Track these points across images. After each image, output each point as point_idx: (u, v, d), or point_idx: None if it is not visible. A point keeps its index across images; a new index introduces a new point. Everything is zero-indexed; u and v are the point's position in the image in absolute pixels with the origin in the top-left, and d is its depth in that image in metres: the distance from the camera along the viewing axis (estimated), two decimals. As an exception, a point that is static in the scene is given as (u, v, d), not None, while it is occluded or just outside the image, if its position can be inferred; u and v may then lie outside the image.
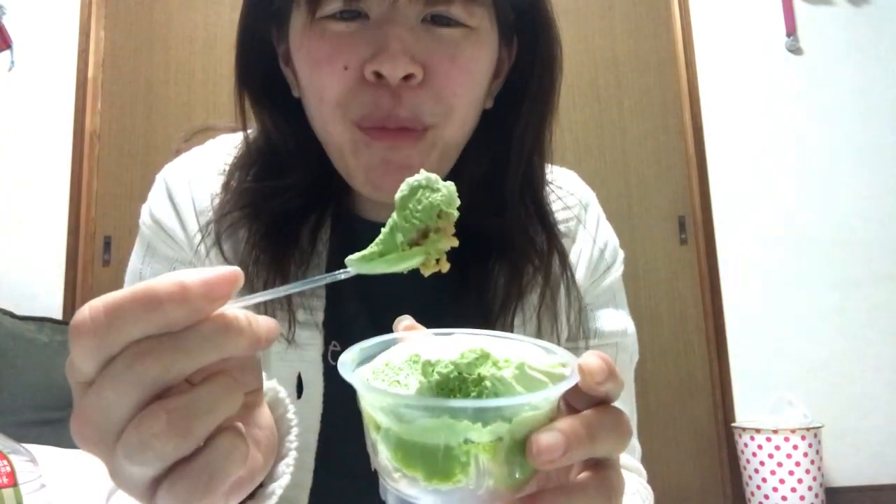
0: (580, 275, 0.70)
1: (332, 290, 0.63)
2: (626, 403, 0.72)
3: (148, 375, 0.28)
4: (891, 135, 2.80)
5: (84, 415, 0.29)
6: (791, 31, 2.84)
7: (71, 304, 2.54)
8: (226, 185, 0.64)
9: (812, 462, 2.33)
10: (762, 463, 2.36)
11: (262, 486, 0.38)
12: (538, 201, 0.67)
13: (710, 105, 2.81)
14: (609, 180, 2.73)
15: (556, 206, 0.71)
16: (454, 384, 0.30)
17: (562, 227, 0.70)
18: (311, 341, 0.61)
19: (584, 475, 0.35)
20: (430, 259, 0.34)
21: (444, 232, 0.34)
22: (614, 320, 0.72)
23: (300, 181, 0.62)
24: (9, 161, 2.62)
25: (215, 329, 0.29)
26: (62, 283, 2.55)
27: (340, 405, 0.61)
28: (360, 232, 0.63)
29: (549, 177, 0.73)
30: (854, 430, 2.59)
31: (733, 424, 2.55)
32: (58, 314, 2.48)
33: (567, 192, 0.74)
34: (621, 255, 0.76)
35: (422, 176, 0.34)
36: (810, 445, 2.34)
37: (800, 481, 2.31)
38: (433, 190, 0.34)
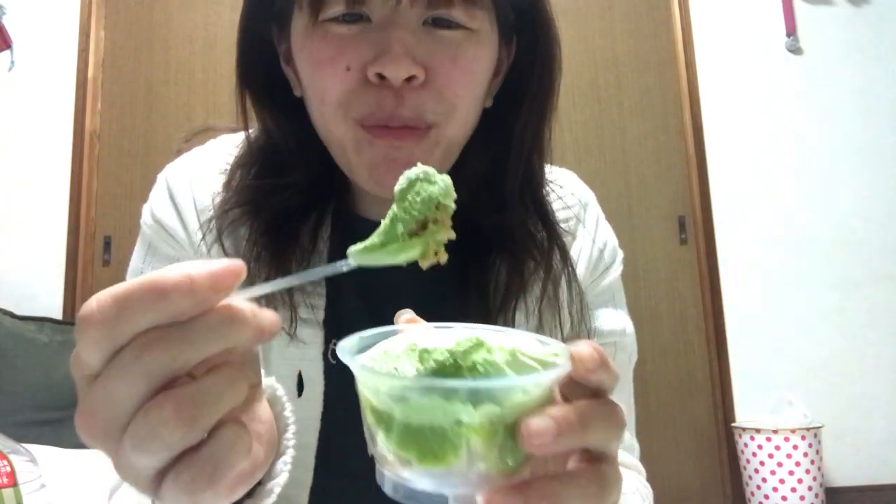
0: (580, 274, 0.70)
1: (333, 288, 0.63)
2: (624, 402, 0.71)
3: (156, 365, 0.28)
4: (891, 135, 2.80)
5: (90, 408, 0.29)
6: (791, 31, 2.84)
7: (71, 304, 2.54)
8: (227, 184, 0.64)
9: (812, 462, 2.33)
10: (762, 463, 2.36)
11: (260, 483, 0.39)
12: (538, 199, 0.67)
13: (710, 105, 2.81)
14: (609, 180, 2.73)
15: (556, 206, 0.71)
16: (449, 371, 0.31)
17: (562, 227, 0.70)
18: (312, 339, 0.61)
19: (578, 466, 0.35)
20: (430, 250, 0.35)
21: (441, 223, 0.35)
22: (613, 320, 0.73)
23: (301, 179, 0.63)
24: (9, 161, 2.62)
25: (221, 319, 0.29)
26: (62, 283, 2.55)
27: (341, 404, 0.61)
28: (360, 230, 0.64)
29: (549, 176, 0.73)
30: (854, 430, 2.59)
31: (733, 424, 2.55)
32: (58, 314, 2.48)
33: (567, 191, 0.75)
34: (620, 254, 0.77)
35: (419, 169, 0.35)
36: (810, 445, 2.34)
37: (800, 481, 2.31)
38: (430, 183, 0.35)
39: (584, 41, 2.83)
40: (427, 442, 0.30)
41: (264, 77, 0.64)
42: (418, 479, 0.31)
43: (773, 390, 2.61)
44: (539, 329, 0.65)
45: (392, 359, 0.32)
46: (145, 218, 0.68)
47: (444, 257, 0.36)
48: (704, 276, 2.72)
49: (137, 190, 2.58)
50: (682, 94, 2.83)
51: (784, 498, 2.32)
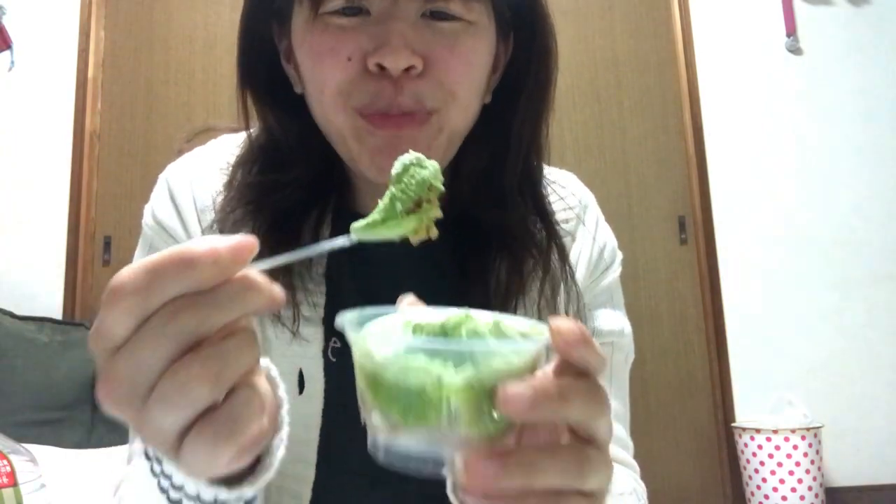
0: (580, 274, 0.71)
1: (333, 285, 0.63)
2: (620, 401, 0.73)
3: (186, 328, 0.30)
4: (891, 135, 2.80)
5: (114, 376, 0.31)
6: (791, 31, 2.84)
7: (71, 304, 2.54)
8: (228, 184, 0.65)
9: (812, 462, 2.33)
10: (762, 463, 2.36)
11: (258, 461, 0.40)
12: (536, 195, 0.68)
13: (710, 105, 2.81)
14: (609, 180, 2.74)
15: (557, 206, 0.72)
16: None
17: (563, 227, 0.70)
18: (313, 337, 0.62)
19: (561, 441, 0.36)
20: (423, 226, 0.38)
21: (432, 202, 0.38)
22: (611, 320, 0.73)
23: (302, 176, 0.63)
24: (9, 161, 2.62)
25: (241, 287, 0.32)
26: (62, 283, 2.55)
27: (341, 400, 0.62)
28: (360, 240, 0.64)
29: (549, 177, 0.74)
30: (854, 430, 2.59)
31: (733, 424, 2.55)
32: (58, 314, 2.48)
33: (568, 192, 0.75)
34: (619, 256, 0.77)
35: (412, 155, 0.39)
36: (810, 445, 2.34)
37: (800, 481, 2.31)
38: (422, 167, 0.39)
39: (584, 41, 2.83)
40: (411, 401, 0.32)
41: (265, 75, 0.65)
42: (405, 440, 0.33)
43: (773, 390, 2.61)
44: None
45: (388, 331, 0.35)
46: (146, 219, 0.68)
47: (434, 233, 0.39)
48: (704, 276, 2.72)
49: (137, 190, 2.58)
50: (682, 94, 2.83)
51: (784, 498, 2.32)
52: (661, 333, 2.67)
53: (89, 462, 1.66)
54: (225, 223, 0.62)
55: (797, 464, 2.32)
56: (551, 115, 0.67)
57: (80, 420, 2.14)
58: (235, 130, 0.69)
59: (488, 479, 0.33)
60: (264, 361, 0.43)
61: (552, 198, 0.71)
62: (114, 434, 2.00)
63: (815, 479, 2.33)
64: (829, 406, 2.59)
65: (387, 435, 0.34)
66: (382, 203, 0.38)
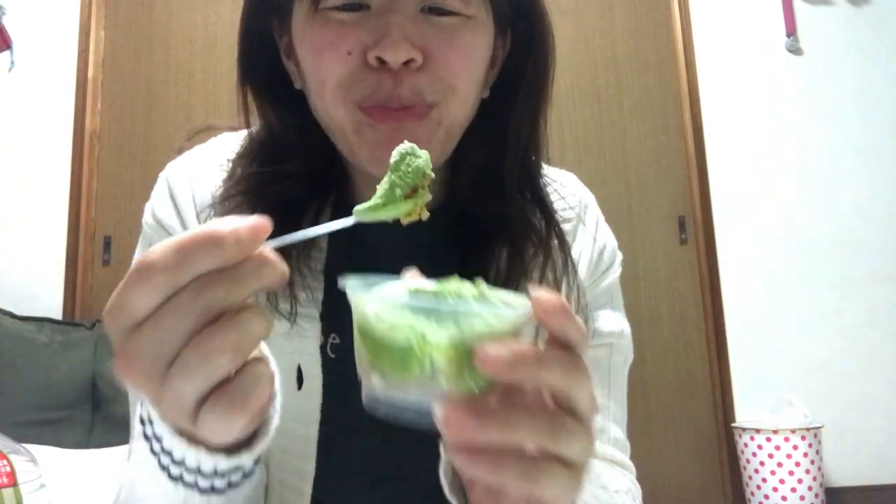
0: (581, 274, 0.71)
1: (332, 282, 0.64)
2: (618, 402, 0.73)
3: (213, 302, 0.33)
4: (891, 135, 2.80)
5: (135, 350, 0.33)
6: (791, 31, 2.84)
7: (71, 304, 2.54)
8: (228, 178, 0.65)
9: (812, 462, 2.33)
10: (762, 463, 2.36)
11: (254, 431, 0.43)
12: (536, 189, 0.68)
13: (710, 105, 2.81)
14: (609, 180, 2.74)
15: (557, 206, 0.72)
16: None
17: (563, 227, 0.70)
18: (311, 333, 0.62)
19: (541, 406, 0.37)
20: (416, 209, 0.42)
21: (426, 188, 0.42)
22: (611, 321, 0.73)
23: (301, 170, 0.64)
24: (9, 161, 2.62)
25: (259, 264, 0.34)
26: (62, 283, 2.55)
27: (339, 396, 0.62)
28: (358, 225, 0.65)
29: (549, 177, 0.74)
30: (854, 430, 2.59)
31: (733, 424, 2.55)
32: (58, 314, 2.48)
33: (568, 192, 0.75)
34: (619, 256, 0.77)
35: (407, 145, 0.43)
36: (810, 445, 2.34)
37: (800, 481, 2.31)
38: (416, 156, 0.42)
39: (584, 41, 2.83)
40: (398, 355, 0.35)
41: (265, 71, 0.65)
42: (391, 389, 0.36)
43: (773, 390, 2.61)
44: None
45: (385, 293, 0.38)
46: (146, 217, 0.68)
47: (426, 215, 0.43)
48: (704, 276, 2.72)
49: (137, 190, 2.59)
50: (682, 94, 2.83)
51: (784, 498, 2.32)
52: (661, 333, 2.67)
53: (89, 462, 1.66)
54: (224, 208, 0.63)
55: (797, 464, 2.32)
56: (550, 112, 0.68)
57: (80, 420, 2.14)
58: (236, 129, 0.70)
59: (465, 432, 0.35)
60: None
61: (552, 197, 0.71)
62: (114, 434, 2.00)
63: (815, 479, 2.33)
64: (829, 406, 2.59)
65: (378, 389, 0.36)
66: (382, 188, 0.42)
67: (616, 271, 0.76)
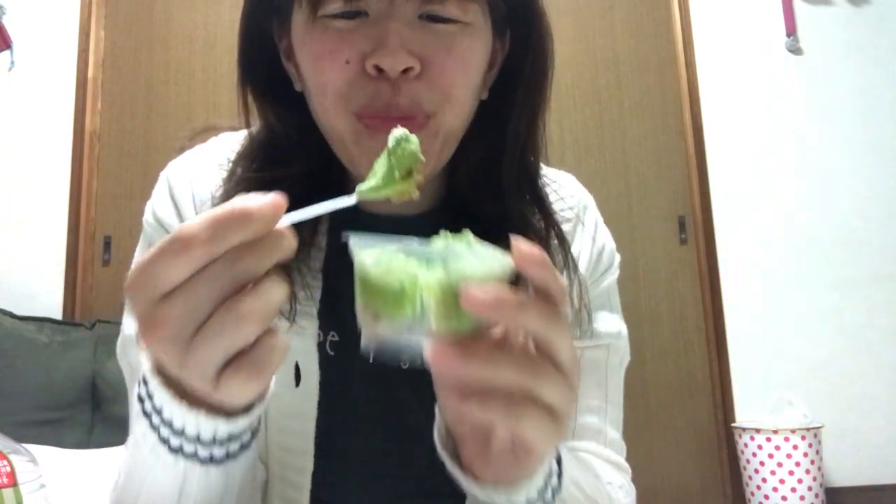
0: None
1: (330, 280, 0.64)
2: (614, 403, 0.73)
3: (243, 271, 0.36)
4: (891, 135, 2.80)
5: (164, 318, 0.35)
6: (791, 31, 2.84)
7: (71, 304, 2.54)
8: (228, 178, 0.65)
9: (812, 462, 2.33)
10: (762, 463, 2.36)
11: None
12: (534, 190, 0.68)
13: (710, 105, 2.81)
14: (609, 180, 2.74)
15: (556, 206, 0.72)
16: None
17: (562, 227, 0.70)
18: (309, 331, 0.63)
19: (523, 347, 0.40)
20: (409, 188, 0.46)
21: (418, 170, 0.46)
22: (609, 323, 0.74)
23: (301, 171, 0.64)
24: (9, 161, 2.62)
25: (280, 237, 0.37)
26: (62, 283, 2.55)
27: (336, 393, 0.63)
28: (359, 223, 0.65)
29: (548, 178, 0.74)
30: (854, 430, 2.59)
31: (733, 424, 2.56)
32: (58, 314, 2.48)
33: (567, 192, 0.76)
34: (618, 258, 0.78)
35: (400, 131, 0.46)
36: (810, 445, 2.34)
37: (800, 481, 2.31)
38: (409, 142, 0.46)
39: (584, 41, 2.83)
40: (392, 296, 0.38)
41: (265, 72, 0.65)
42: (384, 328, 0.39)
43: (773, 390, 2.61)
44: None
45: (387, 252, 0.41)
46: (147, 216, 0.68)
47: (416, 194, 0.46)
48: (704, 276, 2.72)
49: (137, 190, 2.59)
50: (682, 94, 2.83)
51: (784, 498, 2.32)
52: (661, 333, 2.67)
53: (89, 462, 1.66)
54: None
55: (797, 464, 2.32)
56: (549, 112, 0.68)
57: (80, 420, 2.14)
58: (236, 129, 0.70)
59: (450, 366, 0.38)
60: None
61: (551, 198, 0.71)
62: (114, 434, 2.00)
63: (815, 479, 2.33)
64: (829, 406, 2.59)
65: (374, 330, 0.39)
66: (381, 170, 0.46)
67: (614, 273, 0.76)
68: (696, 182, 2.77)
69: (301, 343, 0.63)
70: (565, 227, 0.72)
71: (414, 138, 0.46)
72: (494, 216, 0.65)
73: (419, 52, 0.56)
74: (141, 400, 0.45)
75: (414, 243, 0.40)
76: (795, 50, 2.85)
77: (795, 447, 2.33)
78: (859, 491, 2.56)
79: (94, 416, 2.17)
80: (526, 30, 0.65)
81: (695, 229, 2.74)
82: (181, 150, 0.71)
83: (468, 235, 0.41)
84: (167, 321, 0.35)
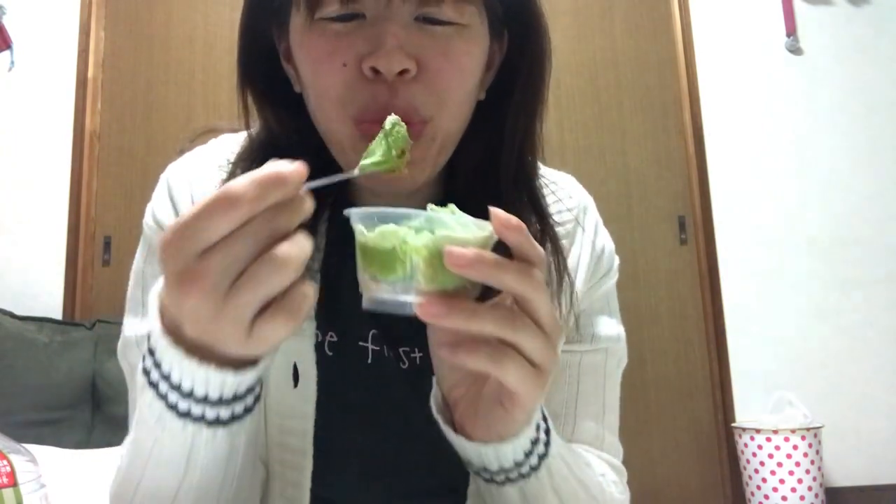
0: (579, 278, 0.71)
1: (328, 281, 0.64)
2: (610, 406, 0.74)
3: (280, 227, 0.39)
4: (891, 135, 2.80)
5: (203, 270, 0.38)
6: (791, 31, 2.84)
7: (71, 304, 2.54)
8: (228, 179, 0.65)
9: (812, 462, 2.33)
10: (762, 463, 2.36)
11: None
12: (532, 191, 0.68)
13: (710, 105, 2.81)
14: (609, 180, 2.74)
15: (555, 209, 0.72)
16: None
17: (561, 230, 0.71)
18: (307, 332, 0.63)
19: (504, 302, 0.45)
20: (401, 167, 0.51)
21: (408, 152, 0.51)
22: (608, 327, 0.74)
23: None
24: (9, 161, 2.62)
25: (304, 198, 0.41)
26: (62, 282, 2.55)
27: (334, 393, 0.63)
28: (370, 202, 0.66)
29: (548, 179, 0.74)
30: (854, 430, 2.60)
31: (733, 424, 2.56)
32: (58, 314, 2.48)
33: (566, 194, 0.75)
34: (617, 261, 0.77)
35: (393, 118, 0.51)
36: (810, 445, 2.34)
37: (800, 481, 2.32)
38: (400, 126, 0.51)
39: (584, 41, 2.83)
40: (384, 257, 0.43)
41: (265, 74, 0.65)
42: (379, 288, 0.44)
43: (773, 390, 2.61)
44: None
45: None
46: (147, 218, 0.68)
47: (406, 173, 0.52)
48: (704, 276, 2.72)
49: (137, 190, 2.59)
50: (682, 94, 2.83)
51: (784, 498, 2.32)
52: (661, 333, 2.67)
53: (89, 462, 1.66)
54: None
55: (797, 464, 2.32)
56: (549, 112, 0.68)
57: (80, 420, 2.14)
58: (237, 131, 0.70)
59: (437, 316, 0.42)
60: None
61: (550, 199, 0.71)
62: (114, 434, 2.00)
63: (815, 479, 2.33)
64: (829, 406, 2.59)
65: (367, 285, 0.44)
66: (380, 149, 0.50)
67: (614, 276, 0.76)
68: (696, 182, 2.77)
69: (299, 344, 0.63)
70: (564, 229, 0.72)
71: (403, 125, 0.51)
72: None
73: (416, 53, 0.56)
74: (146, 372, 0.46)
75: (406, 214, 0.44)
76: (795, 50, 2.85)
77: (795, 447, 2.33)
78: (859, 491, 2.56)
79: (94, 416, 2.17)
80: (523, 30, 0.65)
81: (695, 229, 2.74)
82: (181, 151, 0.71)
83: (452, 207, 0.45)
84: (207, 273, 0.38)
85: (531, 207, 0.67)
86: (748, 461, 2.41)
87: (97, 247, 2.61)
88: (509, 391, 0.47)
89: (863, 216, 2.74)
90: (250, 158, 0.66)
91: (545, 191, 0.71)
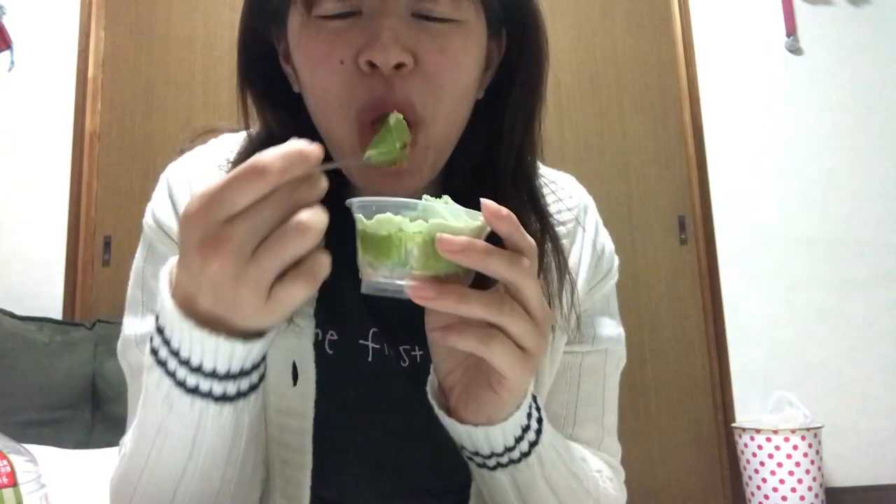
0: (580, 278, 0.71)
1: (328, 280, 0.64)
2: (610, 407, 0.74)
3: (303, 197, 0.42)
4: (890, 135, 2.80)
5: (229, 236, 0.40)
6: (791, 31, 2.84)
7: (71, 304, 2.54)
8: None
9: (812, 462, 2.33)
10: (762, 463, 2.36)
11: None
12: (531, 191, 0.68)
13: (710, 105, 2.81)
14: (609, 180, 2.74)
15: (555, 208, 0.72)
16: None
17: (561, 230, 0.71)
18: (306, 330, 0.64)
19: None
20: (404, 157, 0.55)
21: (408, 144, 0.55)
22: (609, 328, 0.74)
23: None
24: (9, 161, 2.62)
25: (321, 176, 0.43)
26: (62, 283, 2.55)
27: (333, 391, 0.63)
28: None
29: (547, 179, 0.74)
30: (854, 430, 2.60)
31: (733, 424, 2.56)
32: (58, 314, 2.48)
33: (566, 194, 0.75)
34: (617, 261, 0.77)
35: (397, 114, 0.55)
36: (810, 445, 2.34)
37: (800, 481, 2.32)
38: (403, 121, 0.55)
39: (584, 41, 2.83)
40: (380, 243, 0.46)
41: (264, 75, 0.65)
42: (379, 274, 0.46)
43: (773, 390, 2.61)
44: None
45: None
46: (147, 218, 0.68)
47: (406, 162, 0.55)
48: (704, 276, 2.72)
49: (137, 190, 2.59)
50: (682, 94, 2.83)
51: (784, 498, 2.32)
52: (661, 333, 2.67)
53: (89, 462, 1.66)
54: None
55: (797, 464, 2.32)
56: (549, 111, 0.67)
57: (80, 420, 2.14)
58: (237, 131, 0.70)
59: (428, 299, 0.44)
60: None
61: (550, 198, 0.71)
62: (114, 434, 2.00)
63: (815, 479, 2.33)
64: (829, 406, 2.59)
65: (370, 277, 0.47)
66: (382, 142, 0.54)
67: (614, 277, 0.76)
68: (696, 182, 2.77)
69: (298, 342, 0.63)
70: (565, 229, 0.72)
71: (402, 120, 0.55)
72: None
73: (412, 47, 0.56)
74: (154, 351, 0.47)
75: (403, 203, 0.46)
76: (795, 50, 2.85)
77: (795, 447, 2.33)
78: (859, 491, 2.56)
79: (94, 416, 2.17)
80: (521, 29, 0.65)
81: (695, 229, 2.74)
82: (181, 151, 0.71)
83: (446, 198, 0.47)
84: (233, 238, 0.40)
85: (531, 207, 0.67)
86: (748, 461, 2.41)
87: (97, 247, 2.61)
88: (498, 374, 0.49)
89: (863, 216, 2.74)
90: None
91: (545, 190, 0.71)
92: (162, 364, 0.47)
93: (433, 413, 0.56)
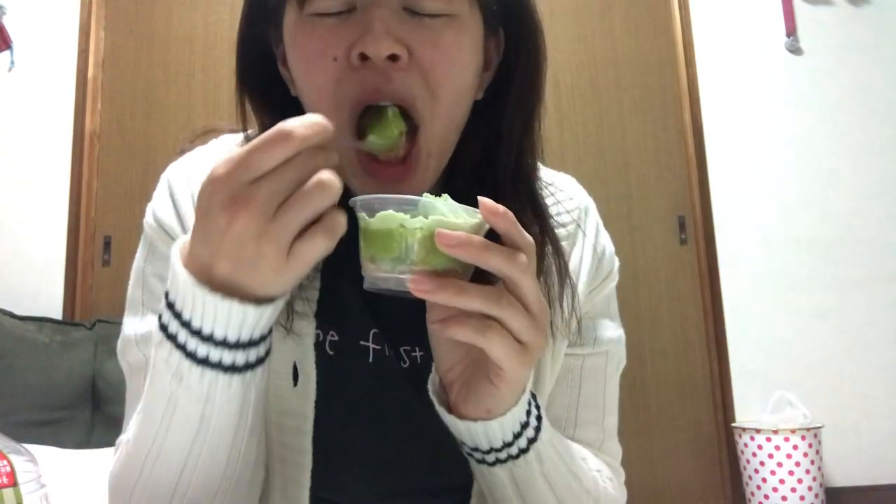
0: (581, 281, 0.71)
1: (329, 281, 0.64)
2: (610, 409, 0.74)
3: (323, 161, 0.44)
4: (891, 135, 2.80)
5: (255, 195, 0.43)
6: (791, 31, 2.84)
7: (71, 304, 2.54)
8: None
9: (812, 462, 2.33)
10: (762, 463, 2.36)
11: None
12: (531, 192, 0.68)
13: (710, 105, 2.81)
14: (609, 180, 2.74)
15: (556, 210, 0.71)
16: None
17: (561, 231, 0.70)
18: (306, 331, 0.63)
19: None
20: (400, 145, 0.57)
21: (402, 134, 0.57)
22: (609, 330, 0.74)
23: None
24: (9, 161, 2.62)
25: (333, 148, 0.45)
26: (62, 283, 2.55)
27: (333, 392, 0.63)
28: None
29: (548, 179, 0.74)
30: (854, 430, 2.59)
31: (733, 424, 2.56)
32: (58, 314, 2.48)
33: (567, 195, 0.75)
34: (617, 263, 0.77)
35: (394, 107, 0.57)
36: (810, 445, 2.34)
37: (800, 481, 2.32)
38: (399, 112, 0.57)
39: (584, 41, 2.83)
40: (383, 238, 0.47)
41: (263, 79, 0.65)
42: (380, 269, 0.48)
43: (773, 390, 2.61)
44: None
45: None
46: (147, 218, 0.68)
47: (401, 151, 0.58)
48: (704, 276, 2.72)
49: (137, 190, 2.59)
50: (682, 94, 2.83)
51: (784, 498, 2.32)
52: (661, 333, 2.67)
53: (89, 462, 1.66)
54: None
55: (797, 464, 2.32)
56: (548, 112, 0.67)
57: (80, 420, 2.14)
58: (237, 131, 0.70)
59: (426, 290, 0.46)
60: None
61: (550, 200, 0.71)
62: (114, 434, 2.00)
63: (815, 479, 2.33)
64: (829, 406, 2.59)
65: (372, 272, 0.48)
66: (386, 129, 0.56)
67: (615, 279, 0.76)
68: (696, 182, 2.77)
69: (299, 343, 0.63)
70: (565, 230, 0.71)
71: (397, 111, 0.57)
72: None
73: (405, 40, 0.56)
74: (164, 327, 0.48)
75: (403, 200, 0.48)
76: (795, 50, 2.85)
77: (795, 447, 2.33)
78: (859, 491, 2.56)
79: (94, 416, 2.17)
80: (517, 27, 0.64)
81: (695, 229, 2.74)
82: (181, 151, 0.71)
83: (446, 196, 0.49)
84: (258, 197, 0.42)
85: (530, 208, 0.67)
86: (748, 461, 2.41)
87: (97, 247, 2.61)
88: (496, 366, 0.50)
89: (863, 216, 2.74)
90: None
91: (545, 192, 0.71)
92: (172, 338, 0.48)
93: (433, 413, 0.56)
